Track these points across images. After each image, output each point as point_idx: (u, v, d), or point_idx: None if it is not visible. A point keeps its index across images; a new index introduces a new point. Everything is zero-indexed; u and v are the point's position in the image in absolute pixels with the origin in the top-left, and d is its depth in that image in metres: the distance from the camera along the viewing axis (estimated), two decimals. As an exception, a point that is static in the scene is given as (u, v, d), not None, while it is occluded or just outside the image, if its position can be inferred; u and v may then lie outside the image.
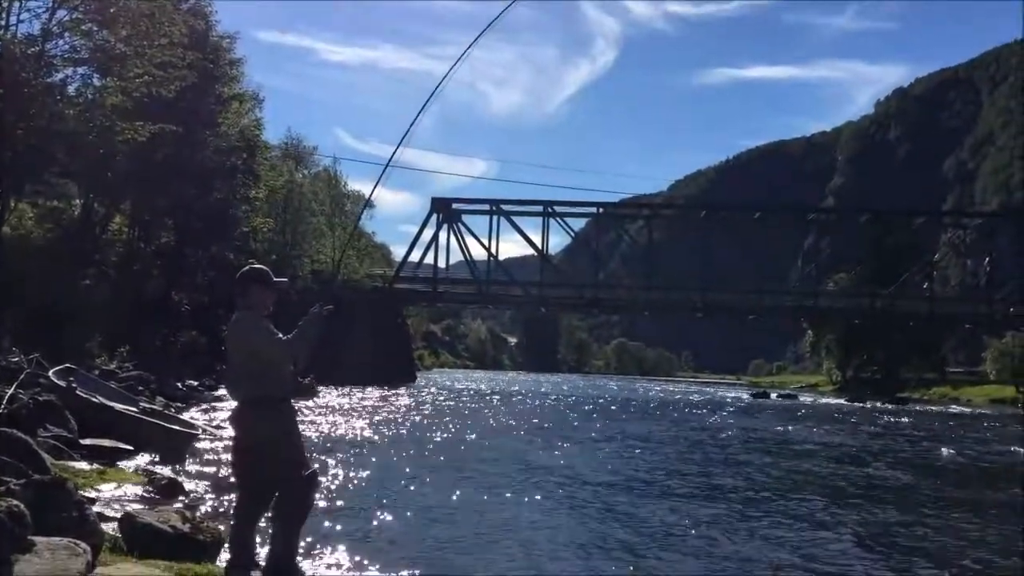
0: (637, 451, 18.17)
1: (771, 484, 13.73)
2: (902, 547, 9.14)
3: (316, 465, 6.01)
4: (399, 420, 23.13)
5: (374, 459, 14.31)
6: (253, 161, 38.47)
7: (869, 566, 8.25)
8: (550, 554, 8.04)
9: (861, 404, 51.84)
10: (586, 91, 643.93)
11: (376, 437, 18.07)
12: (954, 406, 55.61)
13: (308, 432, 16.31)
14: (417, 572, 6.94)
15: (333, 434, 17.93)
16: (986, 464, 18.93)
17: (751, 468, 15.97)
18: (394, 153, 7.18)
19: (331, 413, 23.00)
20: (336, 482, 11.38)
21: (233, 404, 5.57)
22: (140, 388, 19.59)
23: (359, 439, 17.40)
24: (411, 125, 7.16)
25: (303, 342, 5.31)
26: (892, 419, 36.08)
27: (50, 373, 13.98)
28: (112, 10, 22.84)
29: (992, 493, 14.26)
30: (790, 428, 27.94)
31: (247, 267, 5.64)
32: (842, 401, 57.20)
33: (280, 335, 5.27)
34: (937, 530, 10.16)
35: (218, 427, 16.23)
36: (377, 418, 23.00)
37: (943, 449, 21.35)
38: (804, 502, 11.89)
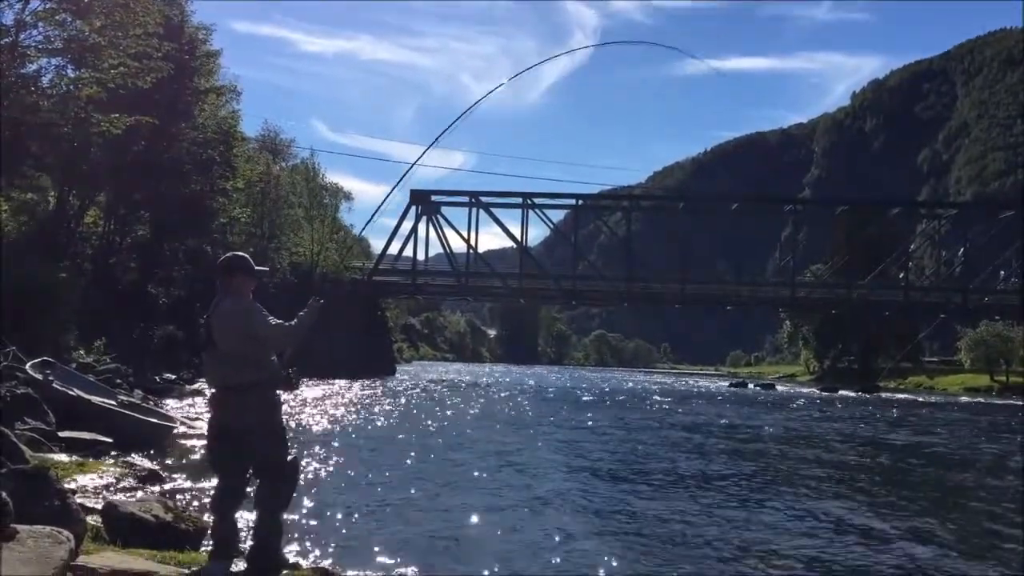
0: (620, 441, 18.31)
1: (757, 470, 13.93)
2: (854, 528, 9.31)
3: (297, 452, 6.04)
4: (379, 411, 23.14)
5: (354, 449, 14.35)
6: (230, 153, 38.11)
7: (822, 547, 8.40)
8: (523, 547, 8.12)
9: (836, 393, 52.41)
10: (565, 83, 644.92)
11: (356, 428, 18.10)
12: (927, 395, 56.27)
13: (288, 422, 16.33)
14: (398, 559, 7.00)
15: (313, 425, 17.93)
16: (948, 451, 19.27)
17: (733, 456, 16.21)
18: (419, 159, 7.35)
19: (311, 405, 22.97)
20: (317, 470, 11.41)
21: (211, 393, 5.60)
22: (118, 381, 19.51)
23: (339, 430, 17.41)
24: (440, 135, 7.26)
25: (300, 332, 5.34)
26: (864, 407, 36.49)
27: (27, 366, 13.89)
28: (86, 0, 22.54)
29: (954, 477, 14.56)
30: (767, 417, 28.27)
31: (230, 254, 5.66)
32: (817, 390, 57.76)
33: (278, 320, 5.31)
34: (898, 512, 10.36)
35: (196, 419, 16.19)
36: (357, 409, 23.01)
37: (909, 436, 21.67)
38: (779, 489, 12.07)
